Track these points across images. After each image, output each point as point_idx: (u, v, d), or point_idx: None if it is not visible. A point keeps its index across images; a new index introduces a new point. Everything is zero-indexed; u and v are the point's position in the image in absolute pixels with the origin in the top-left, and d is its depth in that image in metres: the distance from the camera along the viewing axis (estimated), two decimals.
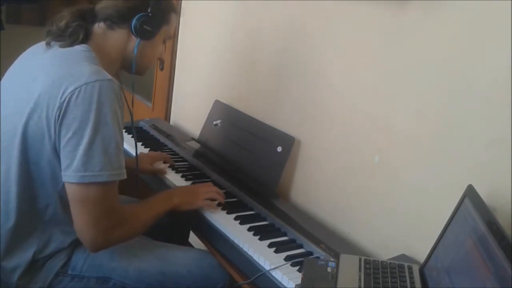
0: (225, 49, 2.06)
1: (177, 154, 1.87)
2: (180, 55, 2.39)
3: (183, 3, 2.33)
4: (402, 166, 1.34)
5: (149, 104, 2.70)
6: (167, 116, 2.49)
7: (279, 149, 1.65)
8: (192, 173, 1.71)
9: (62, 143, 1.13)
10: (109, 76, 1.17)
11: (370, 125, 1.42)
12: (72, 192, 1.15)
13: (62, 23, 1.25)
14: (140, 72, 1.38)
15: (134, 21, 1.27)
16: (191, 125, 2.26)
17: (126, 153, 1.88)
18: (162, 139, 2.01)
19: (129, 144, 1.89)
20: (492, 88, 1.12)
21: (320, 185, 1.60)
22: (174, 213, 1.40)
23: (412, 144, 1.31)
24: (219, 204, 1.48)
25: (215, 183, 1.61)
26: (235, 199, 1.56)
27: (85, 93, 1.12)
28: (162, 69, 2.52)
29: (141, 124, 2.17)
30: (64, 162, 1.14)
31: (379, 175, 1.40)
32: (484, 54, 1.14)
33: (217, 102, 1.99)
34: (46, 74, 1.19)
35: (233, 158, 1.78)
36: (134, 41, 1.30)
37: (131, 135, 1.99)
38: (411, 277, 1.11)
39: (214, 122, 1.94)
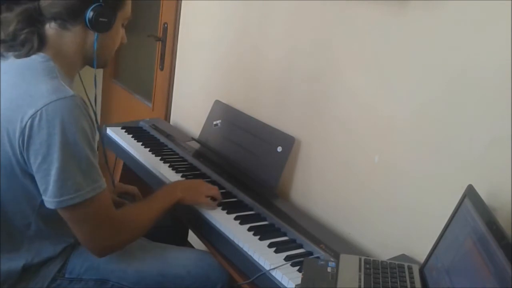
0: (225, 49, 2.06)
1: (177, 154, 1.87)
2: (180, 55, 2.39)
3: (183, 3, 2.34)
4: (402, 166, 1.34)
5: (149, 104, 2.70)
6: (167, 116, 2.49)
7: (279, 149, 1.65)
8: (192, 173, 1.71)
9: (34, 168, 1.09)
10: (71, 92, 1.10)
11: (370, 125, 1.42)
12: (61, 214, 1.13)
13: (10, 29, 1.15)
14: (104, 65, 1.31)
15: (88, 15, 1.16)
16: (191, 125, 2.26)
17: (125, 151, 1.89)
18: (162, 139, 2.01)
19: (130, 145, 1.90)
20: (493, 87, 1.12)
21: (320, 185, 1.60)
22: (173, 213, 1.40)
23: (412, 144, 1.31)
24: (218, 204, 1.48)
25: (215, 183, 1.61)
26: (235, 199, 1.56)
27: (47, 115, 1.06)
28: (162, 69, 2.52)
29: (141, 124, 2.17)
30: (40, 187, 1.11)
31: (379, 175, 1.40)
32: (484, 53, 1.14)
33: (217, 102, 1.99)
34: (2, 94, 1.12)
35: (233, 158, 1.78)
36: (92, 35, 1.20)
37: (131, 135, 2.00)
38: (411, 277, 1.10)
39: (214, 122, 1.94)
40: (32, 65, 1.15)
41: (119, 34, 1.28)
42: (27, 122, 1.06)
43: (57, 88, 1.10)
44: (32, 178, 1.12)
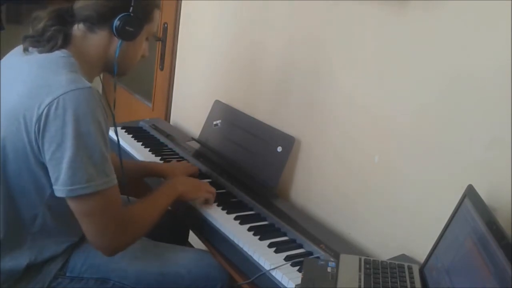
0: (225, 49, 2.06)
1: (177, 154, 1.87)
2: (180, 55, 2.39)
3: (183, 3, 2.34)
4: (402, 166, 1.34)
5: (149, 104, 2.70)
6: (167, 116, 2.49)
7: (279, 149, 1.65)
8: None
9: (47, 156, 1.10)
10: (88, 84, 1.13)
11: (370, 125, 1.42)
12: (71, 205, 1.14)
13: (40, 26, 1.20)
14: (123, 74, 1.33)
15: (115, 22, 1.21)
16: (191, 125, 2.26)
17: (127, 153, 1.88)
18: (162, 139, 2.01)
19: (130, 145, 1.90)
20: (492, 87, 1.12)
21: (320, 185, 1.60)
22: (173, 213, 1.40)
23: (412, 144, 1.31)
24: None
25: (215, 183, 1.61)
26: (235, 199, 1.56)
27: (64, 103, 1.08)
28: (162, 69, 2.52)
29: (141, 124, 2.17)
30: (52, 175, 1.12)
31: (379, 175, 1.40)
32: (484, 53, 1.14)
33: (217, 102, 1.99)
34: (22, 83, 1.15)
35: (233, 158, 1.78)
36: (116, 42, 1.25)
37: (131, 135, 2.00)
38: (411, 277, 1.11)
39: (214, 122, 1.94)
40: (53, 59, 1.18)
41: (141, 46, 1.33)
42: (44, 110, 1.08)
43: (76, 79, 1.13)
44: (44, 167, 1.13)
